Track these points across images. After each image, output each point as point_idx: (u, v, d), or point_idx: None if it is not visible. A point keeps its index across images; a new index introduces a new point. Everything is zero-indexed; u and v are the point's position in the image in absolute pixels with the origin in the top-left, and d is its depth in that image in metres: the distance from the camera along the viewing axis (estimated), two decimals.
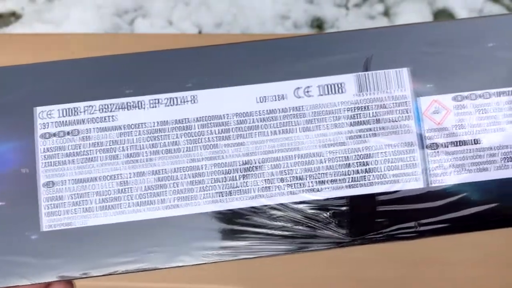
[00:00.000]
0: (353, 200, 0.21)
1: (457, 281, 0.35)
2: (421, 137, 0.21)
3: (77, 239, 0.20)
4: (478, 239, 0.34)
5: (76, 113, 0.20)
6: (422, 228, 0.21)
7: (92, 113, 0.20)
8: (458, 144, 0.21)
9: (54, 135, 0.20)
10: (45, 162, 0.20)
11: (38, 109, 0.20)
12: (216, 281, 0.34)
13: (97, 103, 0.21)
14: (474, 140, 0.21)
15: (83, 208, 0.20)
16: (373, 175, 0.21)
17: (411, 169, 0.21)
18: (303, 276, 0.35)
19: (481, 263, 0.35)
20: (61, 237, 0.20)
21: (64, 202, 0.20)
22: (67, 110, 0.20)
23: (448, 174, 0.21)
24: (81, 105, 0.21)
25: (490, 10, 0.79)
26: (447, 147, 0.21)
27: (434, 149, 0.21)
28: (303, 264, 0.35)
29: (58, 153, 0.20)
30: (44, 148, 0.20)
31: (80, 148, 0.20)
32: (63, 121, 0.20)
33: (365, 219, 0.21)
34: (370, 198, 0.21)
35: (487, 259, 0.35)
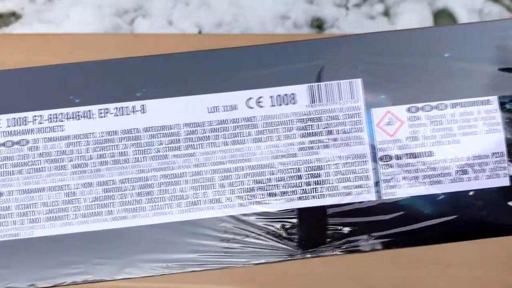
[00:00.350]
0: (304, 212, 0.20)
1: (457, 281, 0.35)
2: (373, 149, 0.20)
3: (24, 250, 0.20)
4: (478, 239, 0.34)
5: (24, 123, 0.20)
6: (374, 241, 0.20)
7: (41, 123, 0.20)
8: (411, 156, 0.20)
9: (2, 145, 0.20)
10: None
11: None
12: (217, 281, 0.34)
13: (45, 112, 0.20)
14: (428, 152, 0.21)
15: (30, 219, 0.20)
16: (324, 187, 0.20)
17: (363, 181, 0.20)
18: (305, 276, 0.35)
19: (481, 263, 0.35)
20: (7, 248, 0.20)
21: (11, 213, 0.20)
22: (16, 119, 0.20)
23: (400, 187, 0.20)
24: (29, 114, 0.20)
25: (490, 10, 0.78)
26: (400, 159, 0.20)
27: (387, 161, 0.20)
28: (305, 263, 0.35)
29: (5, 163, 0.20)
30: None
31: (28, 158, 0.20)
32: (11, 131, 0.20)
33: (316, 231, 0.20)
34: (321, 210, 0.20)
35: (487, 259, 0.35)
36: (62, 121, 0.20)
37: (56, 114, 0.20)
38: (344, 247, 0.20)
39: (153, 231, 0.20)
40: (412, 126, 0.21)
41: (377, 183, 0.20)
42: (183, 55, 0.21)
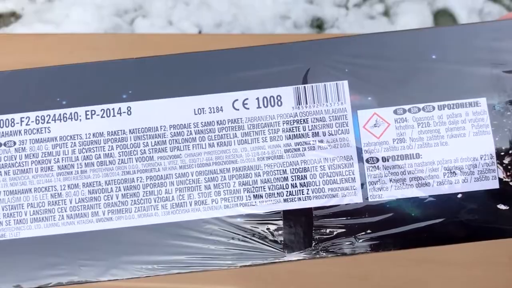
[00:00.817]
0: (289, 214, 0.20)
1: (457, 281, 0.35)
2: (360, 151, 0.20)
3: (9, 251, 0.20)
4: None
5: (12, 124, 0.20)
6: (360, 243, 0.20)
7: (28, 124, 0.20)
8: (398, 158, 0.20)
9: None
10: None
11: None
12: (217, 281, 0.34)
13: (32, 114, 0.20)
14: (415, 154, 0.20)
15: (15, 220, 0.20)
16: (310, 189, 0.20)
17: (349, 183, 0.20)
18: (302, 276, 0.35)
19: (481, 263, 0.35)
20: None
21: None
22: (3, 121, 0.20)
23: (387, 189, 0.20)
24: (17, 116, 0.20)
25: (490, 10, 0.78)
26: (387, 161, 0.20)
27: (373, 163, 0.20)
28: (301, 263, 0.35)
29: None
30: None
31: (14, 160, 0.20)
32: None
33: (302, 233, 0.20)
34: (307, 212, 0.20)
35: (487, 259, 0.35)
36: (49, 122, 0.20)
37: (43, 116, 0.20)
38: (330, 250, 0.20)
39: (138, 232, 0.20)
40: (399, 128, 0.20)
41: (363, 185, 0.20)
42: (168, 58, 0.21)
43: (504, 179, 0.20)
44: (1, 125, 0.20)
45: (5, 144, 0.20)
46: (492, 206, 0.20)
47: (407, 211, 0.20)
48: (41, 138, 0.20)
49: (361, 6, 0.76)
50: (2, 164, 0.20)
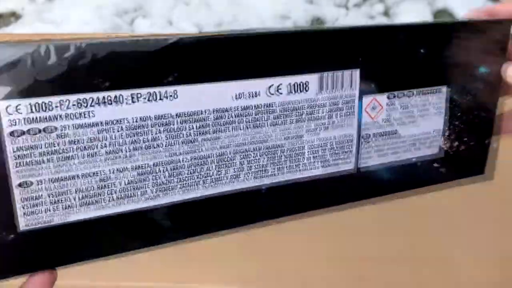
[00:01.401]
0: (303, 183, 0.25)
1: (457, 280, 0.38)
2: (359, 130, 0.25)
3: (58, 236, 0.20)
4: (479, 238, 0.38)
5: (48, 109, 0.19)
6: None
7: (68, 108, 0.19)
8: (383, 134, 0.26)
9: (25, 133, 0.19)
10: (17, 162, 0.19)
11: (2, 103, 0.18)
12: (217, 281, 0.36)
13: (72, 97, 0.19)
14: (394, 131, 0.26)
15: (63, 205, 0.20)
16: (320, 161, 0.25)
17: (347, 155, 0.25)
18: (309, 275, 0.38)
19: (481, 262, 0.38)
20: (40, 234, 0.20)
21: (43, 201, 0.19)
22: (38, 105, 0.19)
23: (372, 158, 0.26)
24: (53, 99, 0.19)
25: None
26: (376, 137, 0.26)
27: (366, 139, 0.25)
28: (306, 260, 0.37)
29: (31, 152, 0.19)
30: (14, 148, 0.19)
31: (56, 146, 0.19)
32: (34, 118, 0.19)
33: (312, 195, 0.25)
34: (315, 180, 0.25)
35: (487, 258, 0.38)
36: (91, 106, 0.19)
37: (85, 99, 0.19)
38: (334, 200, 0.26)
39: (182, 207, 0.22)
40: (388, 110, 0.25)
41: (356, 156, 0.25)
42: (213, 40, 0.21)
43: (442, 146, 0.28)
44: (36, 110, 0.19)
45: (44, 130, 0.19)
46: (432, 165, 0.28)
47: (384, 172, 0.26)
48: (84, 123, 0.19)
49: (361, 6, 0.76)
50: (43, 152, 0.19)
